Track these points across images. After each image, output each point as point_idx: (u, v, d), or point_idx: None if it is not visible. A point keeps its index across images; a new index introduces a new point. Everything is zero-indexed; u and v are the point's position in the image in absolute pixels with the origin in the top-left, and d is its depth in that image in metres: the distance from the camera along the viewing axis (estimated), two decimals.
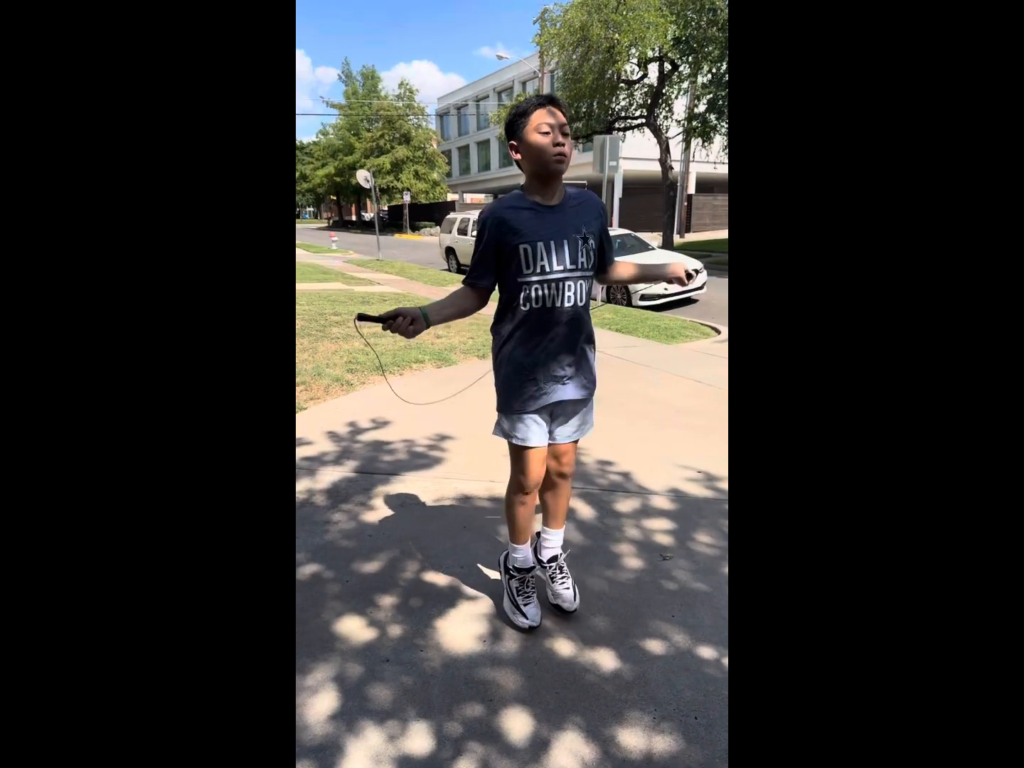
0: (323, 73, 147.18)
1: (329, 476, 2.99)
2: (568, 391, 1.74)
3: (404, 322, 1.51)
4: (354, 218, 51.86)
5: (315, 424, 3.71)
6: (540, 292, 1.62)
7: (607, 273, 1.86)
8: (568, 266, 1.62)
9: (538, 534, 2.03)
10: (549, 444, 1.82)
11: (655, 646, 1.85)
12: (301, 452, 3.27)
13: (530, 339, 1.67)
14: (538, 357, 1.68)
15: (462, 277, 1.78)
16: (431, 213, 37.53)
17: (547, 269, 1.60)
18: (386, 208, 44.53)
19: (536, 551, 2.01)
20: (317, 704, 1.61)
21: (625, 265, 1.93)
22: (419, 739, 1.51)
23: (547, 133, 1.55)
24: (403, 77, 39.08)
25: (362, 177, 17.15)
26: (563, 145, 1.56)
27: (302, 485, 2.88)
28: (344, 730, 1.53)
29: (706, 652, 1.82)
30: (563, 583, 1.97)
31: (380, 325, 1.51)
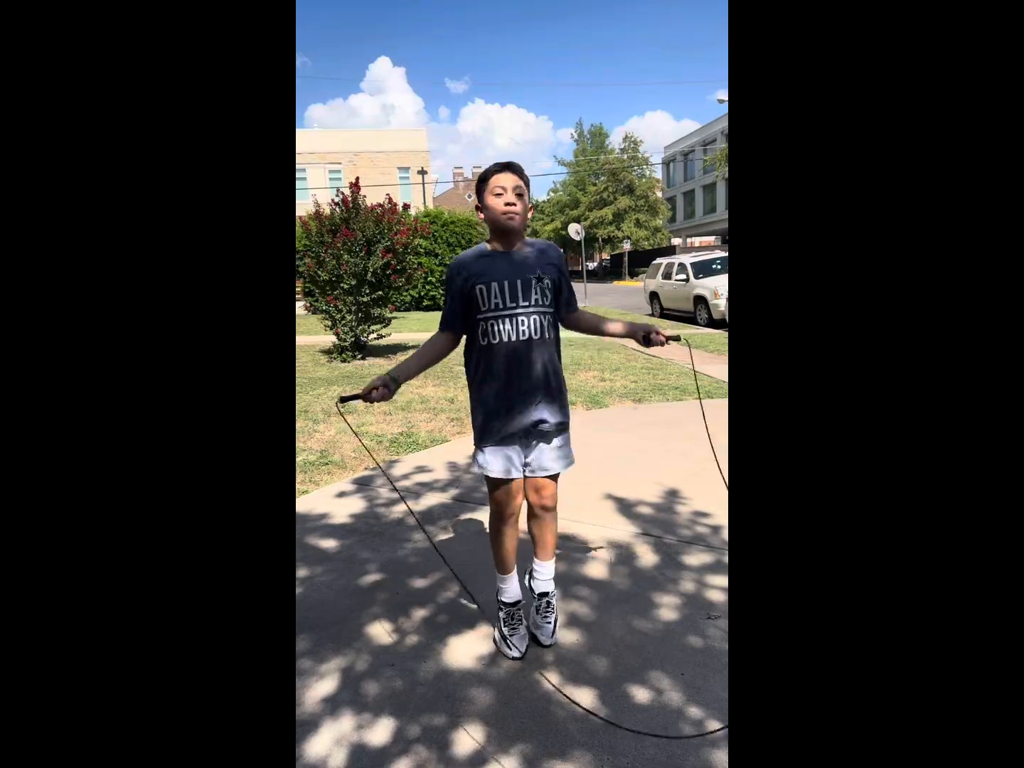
0: (563, 135, 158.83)
1: (429, 500, 3.31)
2: (532, 422, 1.85)
3: (379, 392, 1.72)
4: (579, 268, 54.06)
5: (443, 455, 4.10)
6: (496, 327, 1.78)
7: (570, 319, 1.99)
8: (521, 302, 1.77)
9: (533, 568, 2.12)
10: (528, 478, 1.93)
11: (643, 698, 1.79)
12: (417, 478, 3.66)
13: (491, 374, 1.82)
14: (499, 390, 1.82)
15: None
16: (651, 259, 37.72)
17: (500, 306, 1.77)
18: (608, 256, 45.75)
19: (530, 579, 2.11)
20: (318, 687, 1.87)
21: (598, 317, 2.04)
22: (379, 733, 1.68)
23: (500, 195, 1.75)
24: (628, 131, 40.29)
25: (573, 230, 18.02)
26: (514, 205, 1.74)
27: (403, 506, 3.23)
28: (326, 713, 1.76)
29: (694, 714, 1.71)
30: (546, 618, 2.05)
31: (361, 401, 1.75)
